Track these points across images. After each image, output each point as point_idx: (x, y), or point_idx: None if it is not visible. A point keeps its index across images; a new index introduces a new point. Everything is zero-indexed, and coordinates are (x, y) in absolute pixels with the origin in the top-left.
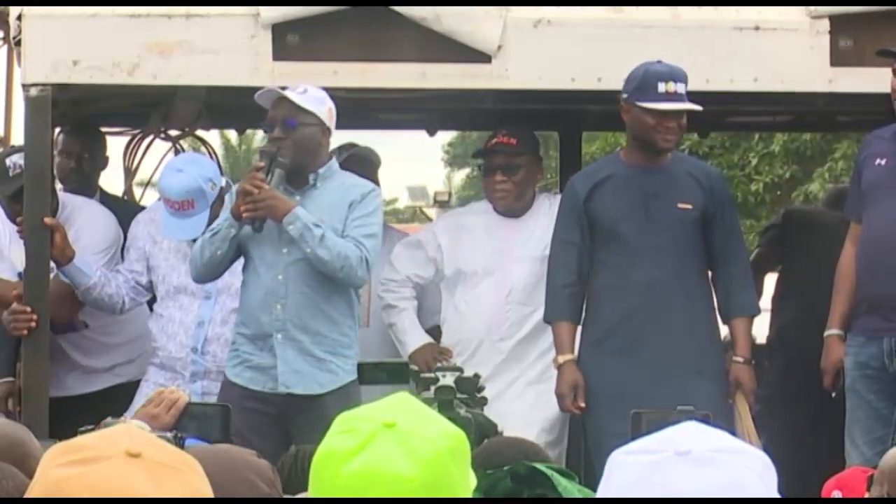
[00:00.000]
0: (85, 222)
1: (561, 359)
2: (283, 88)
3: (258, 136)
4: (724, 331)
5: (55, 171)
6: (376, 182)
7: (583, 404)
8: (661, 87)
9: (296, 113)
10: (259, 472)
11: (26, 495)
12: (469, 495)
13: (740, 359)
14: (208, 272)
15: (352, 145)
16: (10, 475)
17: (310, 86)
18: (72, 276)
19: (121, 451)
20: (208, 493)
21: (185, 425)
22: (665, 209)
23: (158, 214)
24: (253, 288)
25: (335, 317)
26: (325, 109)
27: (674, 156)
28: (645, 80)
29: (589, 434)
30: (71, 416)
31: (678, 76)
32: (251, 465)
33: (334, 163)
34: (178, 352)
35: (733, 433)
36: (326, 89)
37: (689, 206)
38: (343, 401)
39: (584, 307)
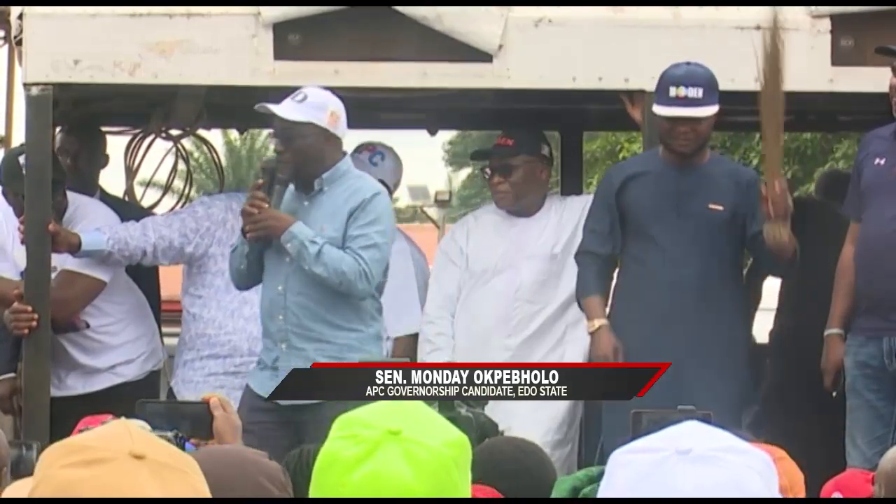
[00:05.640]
0: (91, 222)
1: (597, 322)
2: (289, 90)
3: (262, 136)
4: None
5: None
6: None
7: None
8: (672, 92)
9: (290, 126)
10: (269, 474)
11: (31, 495)
12: (469, 495)
13: None
14: (245, 282)
15: (370, 144)
16: None
17: (312, 89)
18: (87, 256)
19: (125, 452)
20: (207, 493)
21: (178, 425)
22: (696, 209)
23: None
24: (263, 297)
25: (339, 322)
26: (325, 115)
27: (712, 156)
28: (660, 84)
29: (604, 429)
30: (71, 416)
31: (693, 80)
32: (261, 468)
33: (344, 163)
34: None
35: (747, 438)
36: (327, 89)
37: (721, 208)
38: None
39: (611, 303)
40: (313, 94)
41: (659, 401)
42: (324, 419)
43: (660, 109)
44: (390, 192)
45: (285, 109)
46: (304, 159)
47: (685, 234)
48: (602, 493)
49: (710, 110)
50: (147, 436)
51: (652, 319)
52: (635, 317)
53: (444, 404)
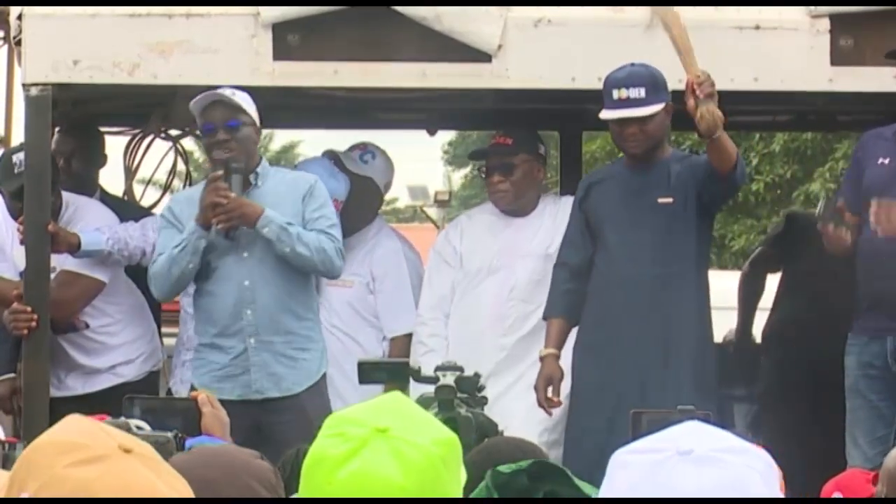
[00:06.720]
0: (89, 222)
1: (543, 352)
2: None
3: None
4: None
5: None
6: (377, 208)
7: (556, 399)
8: (615, 94)
9: (235, 113)
10: (259, 475)
11: (38, 495)
12: (460, 495)
13: None
14: (177, 288)
15: (361, 144)
16: None
17: (232, 87)
18: (86, 256)
19: (114, 447)
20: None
21: (168, 422)
22: (646, 206)
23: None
24: (220, 296)
25: (301, 312)
26: (254, 109)
27: (674, 153)
28: (604, 88)
29: (567, 428)
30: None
31: (634, 81)
32: (251, 469)
33: (264, 161)
34: None
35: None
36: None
37: (670, 200)
38: (317, 397)
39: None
40: (237, 92)
41: (615, 400)
42: (293, 420)
43: (605, 113)
44: (381, 194)
45: (230, 96)
46: (247, 148)
47: (637, 233)
48: (603, 493)
49: (654, 109)
50: (116, 430)
51: (610, 319)
52: (592, 319)
53: (444, 404)
